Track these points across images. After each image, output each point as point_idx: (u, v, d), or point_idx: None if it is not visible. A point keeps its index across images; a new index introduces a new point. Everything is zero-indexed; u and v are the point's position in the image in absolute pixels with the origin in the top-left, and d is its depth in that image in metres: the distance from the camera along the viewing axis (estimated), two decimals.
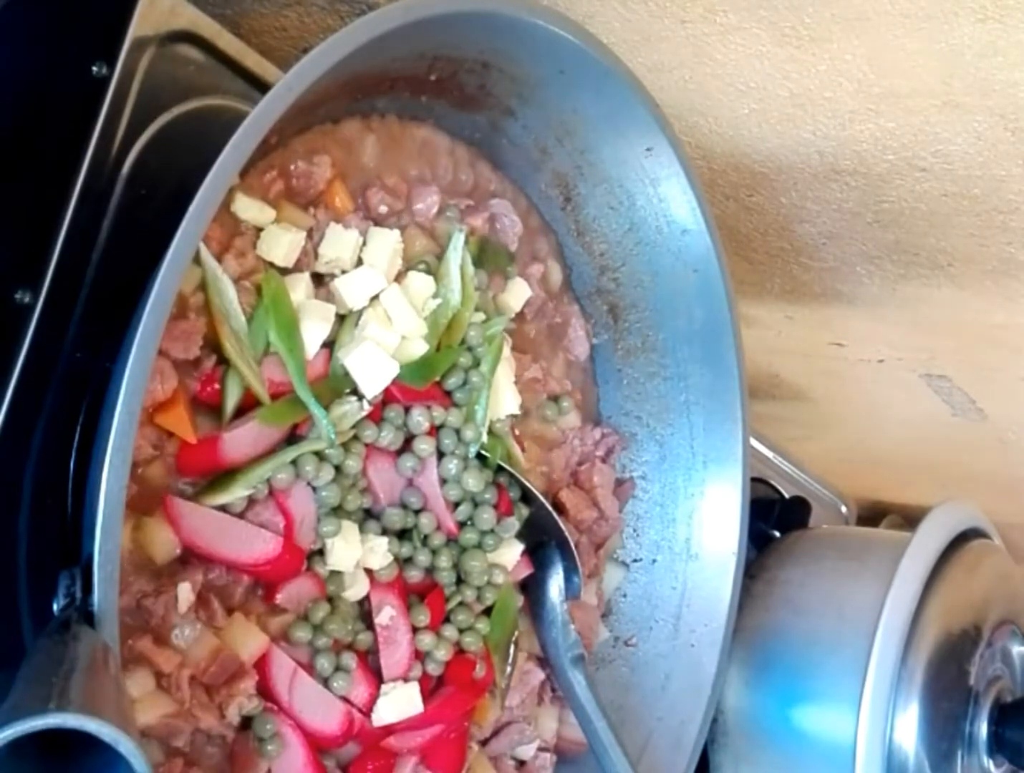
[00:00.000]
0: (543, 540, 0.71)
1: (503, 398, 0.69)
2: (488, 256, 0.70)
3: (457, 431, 0.65)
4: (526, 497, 0.70)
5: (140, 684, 0.51)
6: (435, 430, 0.65)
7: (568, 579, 0.71)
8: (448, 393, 0.66)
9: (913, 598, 0.82)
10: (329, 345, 0.59)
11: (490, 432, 0.68)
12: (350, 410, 0.59)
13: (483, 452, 0.67)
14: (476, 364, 0.67)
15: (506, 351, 0.70)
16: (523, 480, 0.69)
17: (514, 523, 0.68)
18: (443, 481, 0.65)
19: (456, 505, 0.66)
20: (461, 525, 0.66)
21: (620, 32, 0.71)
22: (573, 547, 0.71)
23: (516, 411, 0.70)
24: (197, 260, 0.54)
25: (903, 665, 0.79)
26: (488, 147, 0.71)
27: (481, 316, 0.68)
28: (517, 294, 0.72)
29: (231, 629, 0.55)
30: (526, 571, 0.71)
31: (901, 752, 0.79)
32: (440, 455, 0.65)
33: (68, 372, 0.55)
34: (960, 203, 0.83)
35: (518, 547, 0.69)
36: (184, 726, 0.53)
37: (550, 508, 0.70)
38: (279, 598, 0.58)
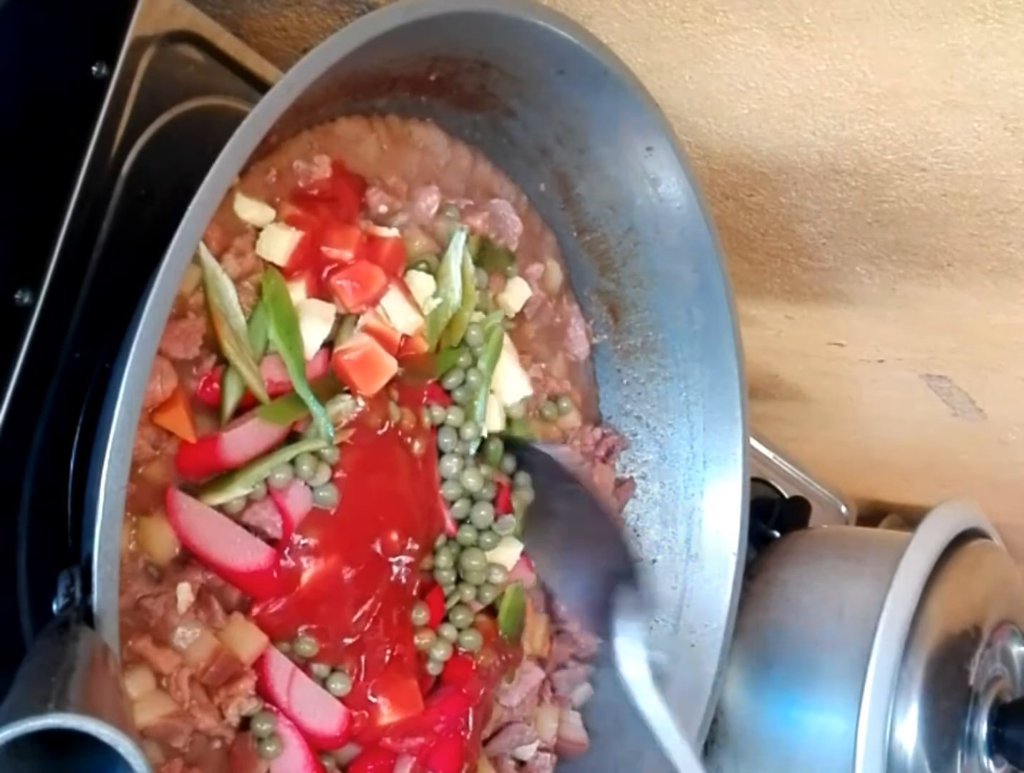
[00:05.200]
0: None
1: (513, 383, 0.69)
2: (488, 256, 0.70)
3: (457, 430, 0.65)
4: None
5: (140, 684, 0.51)
6: (435, 429, 0.65)
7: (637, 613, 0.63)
8: (447, 392, 0.66)
9: (913, 598, 0.82)
10: (329, 345, 0.59)
11: (508, 421, 0.68)
12: (344, 408, 0.59)
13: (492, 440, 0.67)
14: (475, 363, 0.67)
15: (506, 340, 0.70)
16: (588, 491, 0.66)
17: (512, 521, 0.68)
18: (442, 480, 0.65)
19: (452, 503, 0.66)
20: (459, 523, 0.66)
21: (620, 32, 0.71)
22: (637, 574, 0.63)
23: (529, 392, 0.70)
24: (197, 260, 0.54)
25: (903, 665, 0.80)
26: (488, 147, 0.71)
27: (481, 316, 0.68)
28: (517, 294, 0.72)
29: (230, 629, 0.55)
30: (525, 572, 0.71)
31: (901, 752, 0.79)
32: (439, 453, 0.65)
33: (68, 372, 0.55)
34: (960, 203, 0.83)
35: (517, 546, 0.69)
36: (183, 727, 0.53)
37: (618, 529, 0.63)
38: (256, 611, 0.57)
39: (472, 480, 0.65)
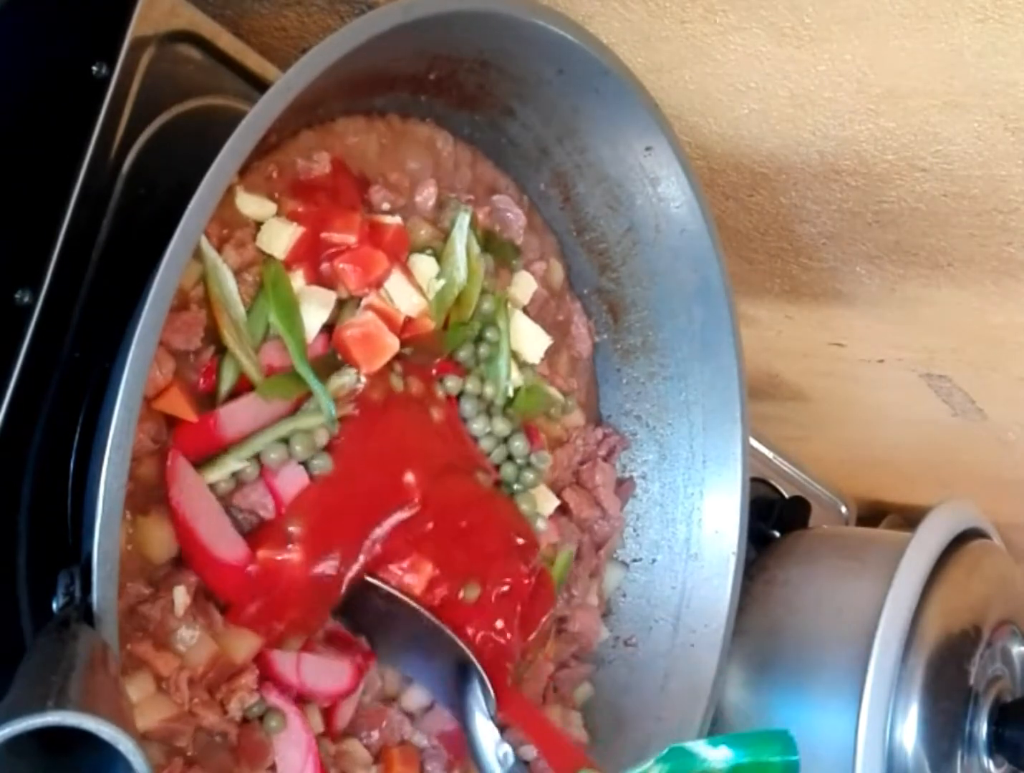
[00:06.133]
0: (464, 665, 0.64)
1: (532, 339, 0.70)
2: (494, 248, 0.70)
3: (478, 396, 0.67)
4: None
5: (140, 688, 0.51)
6: (452, 400, 0.66)
7: (485, 697, 0.63)
8: (459, 364, 0.67)
9: (913, 598, 0.82)
10: (329, 329, 0.59)
11: (516, 390, 0.69)
12: (348, 382, 0.59)
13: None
14: (494, 324, 0.68)
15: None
16: None
17: (547, 456, 0.71)
18: (474, 439, 0.67)
19: (488, 454, 0.68)
20: (497, 468, 0.68)
21: (620, 32, 0.71)
22: (474, 661, 0.63)
23: (549, 341, 0.71)
24: (197, 253, 0.54)
25: (903, 665, 0.80)
26: (488, 146, 0.71)
27: (489, 296, 0.68)
28: (524, 287, 0.72)
29: (227, 632, 0.55)
30: (555, 536, 0.72)
31: (901, 752, 0.79)
32: (463, 420, 0.67)
33: (68, 372, 0.55)
34: (960, 203, 0.83)
35: (553, 500, 0.72)
36: (185, 728, 0.53)
37: (439, 624, 0.62)
38: (233, 615, 0.56)
39: (502, 426, 0.67)
